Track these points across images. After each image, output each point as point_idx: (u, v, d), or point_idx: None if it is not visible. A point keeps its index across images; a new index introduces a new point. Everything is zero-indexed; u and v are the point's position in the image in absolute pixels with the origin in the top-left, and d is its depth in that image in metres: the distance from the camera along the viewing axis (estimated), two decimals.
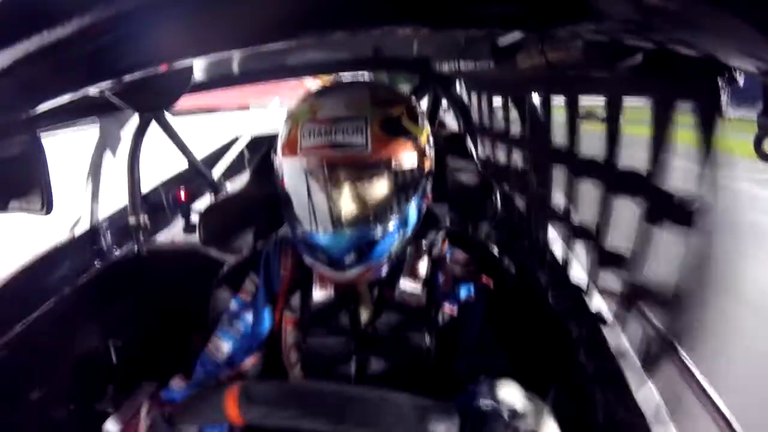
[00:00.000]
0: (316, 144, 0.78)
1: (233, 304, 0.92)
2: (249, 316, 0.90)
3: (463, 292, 0.89)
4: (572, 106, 0.95)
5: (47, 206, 0.81)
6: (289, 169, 0.83)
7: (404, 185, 0.82)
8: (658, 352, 0.76)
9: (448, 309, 0.88)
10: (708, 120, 0.56)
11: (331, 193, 0.80)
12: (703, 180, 0.57)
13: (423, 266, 0.90)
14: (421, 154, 0.83)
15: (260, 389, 0.62)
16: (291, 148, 0.80)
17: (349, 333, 0.86)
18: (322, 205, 0.81)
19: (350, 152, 0.77)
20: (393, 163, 0.79)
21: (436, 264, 0.91)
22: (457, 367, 0.84)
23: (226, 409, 0.60)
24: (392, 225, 0.82)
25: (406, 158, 0.80)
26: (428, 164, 0.86)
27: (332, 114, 0.78)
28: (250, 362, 0.89)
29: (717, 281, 0.56)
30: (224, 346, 0.88)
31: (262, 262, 0.94)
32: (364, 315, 0.87)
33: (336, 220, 0.80)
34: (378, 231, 0.81)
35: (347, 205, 0.80)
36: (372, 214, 0.81)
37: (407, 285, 0.87)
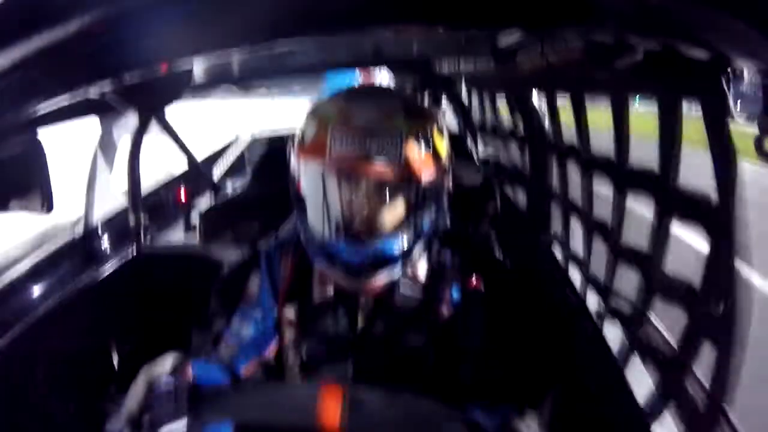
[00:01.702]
0: (349, 152, 0.75)
1: (240, 307, 0.91)
2: (257, 316, 0.89)
3: (462, 296, 0.89)
4: (577, 105, 0.95)
5: (47, 205, 0.81)
6: (314, 174, 0.81)
7: (430, 200, 0.82)
8: (660, 353, 0.75)
9: (447, 312, 0.87)
10: (715, 119, 0.55)
11: (360, 203, 0.79)
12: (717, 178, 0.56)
13: (422, 269, 0.89)
14: (447, 169, 0.84)
15: (367, 393, 0.59)
16: (318, 151, 0.77)
17: (347, 334, 0.85)
18: (347, 215, 0.80)
19: (384, 165, 0.75)
20: (423, 178, 0.79)
21: (435, 266, 0.91)
22: (461, 373, 0.84)
23: (321, 411, 0.57)
24: (414, 237, 0.82)
25: (435, 173, 0.80)
26: (450, 178, 0.86)
27: (366, 123, 0.76)
28: (253, 365, 0.87)
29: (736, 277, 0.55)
30: (232, 348, 0.87)
31: (265, 262, 0.94)
32: (363, 316, 0.87)
33: (361, 232, 0.79)
34: (401, 243, 0.81)
35: (374, 218, 0.79)
36: (397, 228, 0.80)
37: (406, 287, 0.87)
